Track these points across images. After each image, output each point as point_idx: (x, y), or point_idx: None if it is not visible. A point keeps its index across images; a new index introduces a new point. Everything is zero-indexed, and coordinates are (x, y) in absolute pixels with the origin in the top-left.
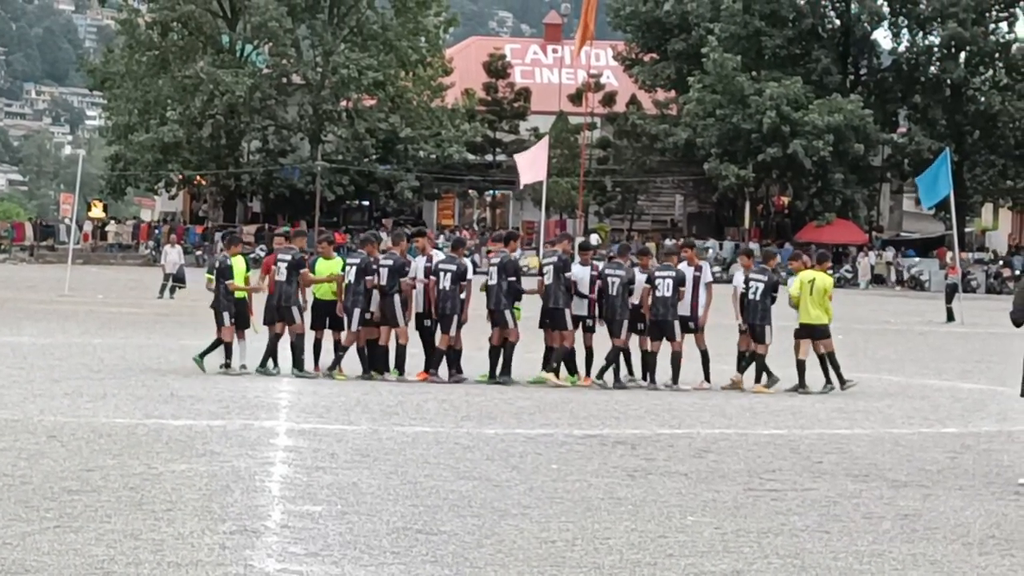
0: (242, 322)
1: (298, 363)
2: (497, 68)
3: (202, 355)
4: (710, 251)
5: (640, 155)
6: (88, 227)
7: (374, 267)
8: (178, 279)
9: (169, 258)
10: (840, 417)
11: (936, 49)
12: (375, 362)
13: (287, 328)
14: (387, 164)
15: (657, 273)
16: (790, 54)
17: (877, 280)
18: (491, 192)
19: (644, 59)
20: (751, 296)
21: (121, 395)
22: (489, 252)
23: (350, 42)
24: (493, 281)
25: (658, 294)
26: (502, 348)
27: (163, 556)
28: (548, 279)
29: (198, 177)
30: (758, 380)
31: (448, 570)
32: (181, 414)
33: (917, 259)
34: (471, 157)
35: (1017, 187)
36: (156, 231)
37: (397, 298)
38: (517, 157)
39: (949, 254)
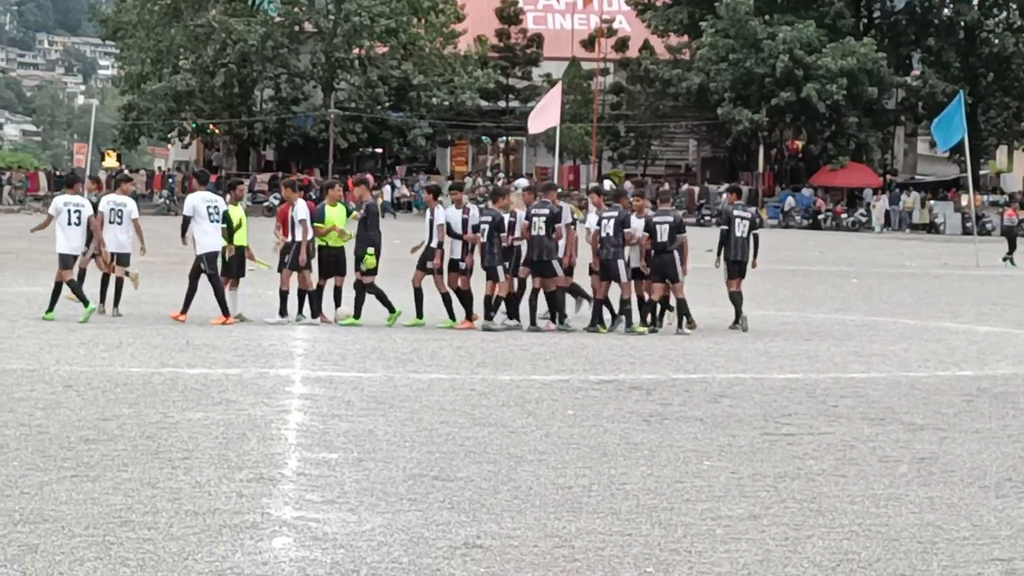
0: (239, 271)
1: (560, 316)
2: (509, 14)
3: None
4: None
5: (653, 100)
6: (103, 177)
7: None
8: None
9: None
10: (856, 361)
11: None
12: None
13: (546, 281)
14: (400, 111)
15: (655, 218)
16: None
17: (922, 226)
18: (504, 138)
19: (657, 3)
20: (604, 232)
21: (136, 344)
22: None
23: None
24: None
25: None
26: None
27: (180, 504)
28: (607, 230)
29: (211, 126)
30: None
31: (465, 516)
32: (196, 363)
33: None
34: (484, 104)
35: None
36: (170, 180)
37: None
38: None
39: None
